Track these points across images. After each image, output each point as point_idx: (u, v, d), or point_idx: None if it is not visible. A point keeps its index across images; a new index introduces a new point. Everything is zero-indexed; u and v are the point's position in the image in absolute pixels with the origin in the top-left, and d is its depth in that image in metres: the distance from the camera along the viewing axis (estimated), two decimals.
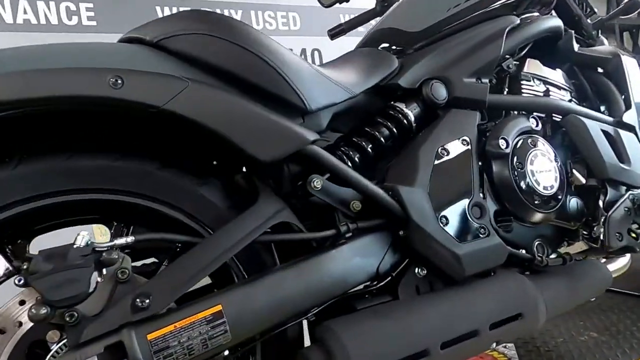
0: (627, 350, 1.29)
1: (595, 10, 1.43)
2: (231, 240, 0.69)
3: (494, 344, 0.84)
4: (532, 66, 1.12)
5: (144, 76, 0.66)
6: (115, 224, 0.77)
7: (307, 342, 0.79)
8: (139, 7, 2.67)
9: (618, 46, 1.51)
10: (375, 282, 0.81)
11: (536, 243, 0.97)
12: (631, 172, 1.06)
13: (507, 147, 0.93)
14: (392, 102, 0.95)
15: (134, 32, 0.75)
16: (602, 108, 1.17)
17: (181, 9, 2.78)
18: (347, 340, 0.69)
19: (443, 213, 0.85)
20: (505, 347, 1.40)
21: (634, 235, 1.01)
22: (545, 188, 0.94)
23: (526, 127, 0.98)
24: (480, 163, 0.94)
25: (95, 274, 0.64)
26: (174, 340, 0.60)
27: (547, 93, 1.11)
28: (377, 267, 0.79)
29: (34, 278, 0.57)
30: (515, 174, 0.92)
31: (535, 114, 1.05)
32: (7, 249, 0.69)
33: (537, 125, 1.00)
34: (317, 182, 0.80)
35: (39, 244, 0.69)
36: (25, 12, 2.41)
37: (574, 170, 1.09)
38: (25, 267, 0.58)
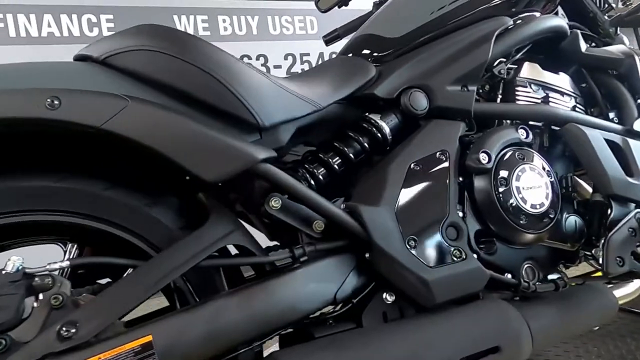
0: None
1: (613, 5, 1.31)
2: (170, 265, 0.66)
3: None
4: (530, 70, 1.02)
5: (82, 95, 0.64)
6: (70, 245, 0.76)
7: None
8: (157, 17, 2.74)
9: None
10: (334, 309, 0.76)
11: (525, 266, 0.88)
12: (638, 187, 0.95)
13: (489, 161, 0.85)
14: (366, 114, 0.90)
15: (85, 49, 0.74)
16: (612, 115, 1.06)
17: (198, 17, 2.83)
18: None
19: (412, 235, 0.78)
20: None
21: (638, 258, 0.90)
22: (533, 206, 0.86)
23: (513, 139, 0.89)
24: (461, 179, 0.87)
25: (32, 299, 0.63)
26: None
27: (546, 99, 1.01)
28: (335, 293, 0.74)
29: None
30: (498, 190, 0.84)
31: (529, 123, 0.97)
32: None
33: (526, 137, 0.91)
34: (276, 201, 0.77)
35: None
36: (49, 26, 2.52)
37: (577, 185, 0.99)
38: None
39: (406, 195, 0.80)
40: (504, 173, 0.85)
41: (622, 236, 0.88)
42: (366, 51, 1.02)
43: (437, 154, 0.85)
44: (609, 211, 0.92)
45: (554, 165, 0.99)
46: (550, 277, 0.94)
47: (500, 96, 1.01)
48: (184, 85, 0.71)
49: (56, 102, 0.62)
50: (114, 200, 0.71)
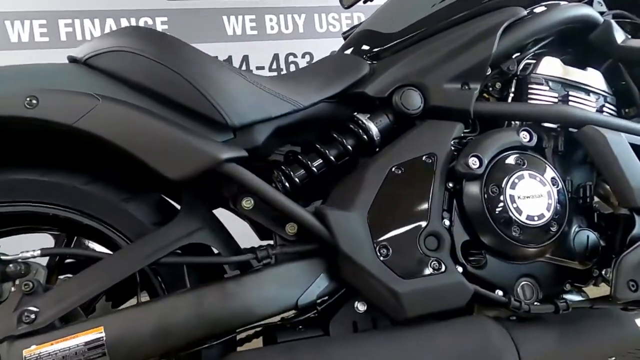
0: None
1: None
2: (131, 260, 0.68)
3: None
4: (549, 66, 0.92)
5: (58, 95, 0.68)
6: (58, 234, 0.82)
7: None
8: (208, 17, 2.86)
9: None
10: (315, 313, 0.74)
11: (522, 283, 0.79)
12: None
13: (480, 166, 0.77)
14: (355, 114, 0.86)
15: (75, 50, 0.79)
16: None
17: (246, 17, 2.90)
18: None
19: (384, 242, 0.74)
20: None
21: None
22: (530, 218, 0.77)
23: (513, 142, 0.81)
24: (451, 184, 0.80)
25: (10, 284, 0.69)
26: (49, 359, 0.61)
27: (565, 99, 0.90)
28: (298, 299, 0.71)
29: None
30: (489, 199, 0.77)
31: (543, 125, 0.87)
32: None
33: (529, 140, 0.82)
34: (247, 201, 0.76)
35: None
36: (110, 29, 2.71)
37: (603, 196, 0.88)
38: None
39: (382, 200, 0.76)
40: (496, 179, 0.77)
41: (639, 257, 0.76)
42: (366, 47, 0.98)
43: (424, 157, 0.80)
44: (633, 227, 0.81)
45: (571, 173, 0.89)
46: (569, 297, 0.85)
47: (512, 95, 0.92)
48: (156, 86, 0.72)
49: (34, 101, 0.66)
50: (93, 195, 0.75)
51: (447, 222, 0.78)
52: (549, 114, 0.86)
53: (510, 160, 0.79)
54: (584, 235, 0.81)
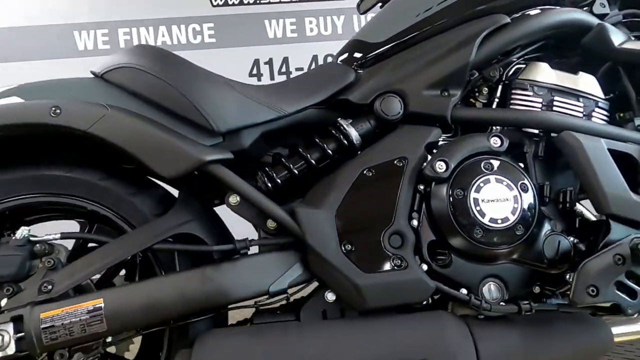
0: None
1: None
2: (129, 245, 0.81)
3: None
4: (534, 71, 0.93)
5: (76, 105, 0.82)
6: (81, 221, 0.97)
7: None
8: (250, 22, 3.02)
9: None
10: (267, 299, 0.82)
11: (488, 283, 0.82)
12: None
13: (446, 170, 0.81)
14: (338, 119, 0.93)
15: (97, 65, 0.93)
16: (638, 121, 0.90)
17: (287, 20, 3.03)
18: (208, 351, 0.74)
19: (348, 239, 0.81)
20: None
21: (629, 289, 0.76)
22: (493, 220, 0.80)
23: (482, 148, 0.83)
24: (421, 187, 0.85)
25: (38, 261, 0.84)
26: (59, 321, 0.75)
27: (550, 103, 0.91)
28: (270, 286, 0.80)
29: None
30: (453, 201, 0.81)
31: (525, 130, 0.89)
32: None
33: (500, 145, 0.84)
34: (233, 198, 0.86)
35: None
36: (163, 36, 2.96)
37: (577, 202, 0.88)
38: None
39: (350, 199, 0.83)
40: (462, 183, 0.81)
41: (604, 263, 0.76)
42: (357, 55, 1.04)
43: (395, 160, 0.85)
44: (607, 232, 0.81)
45: (553, 178, 0.89)
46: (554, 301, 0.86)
47: (497, 100, 0.94)
48: (156, 97, 0.84)
49: (58, 110, 0.80)
50: (107, 189, 0.89)
51: (415, 222, 0.83)
52: (526, 119, 0.88)
53: (477, 164, 0.82)
54: (555, 240, 0.82)
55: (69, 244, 0.92)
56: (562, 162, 0.89)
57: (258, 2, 3.01)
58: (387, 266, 0.79)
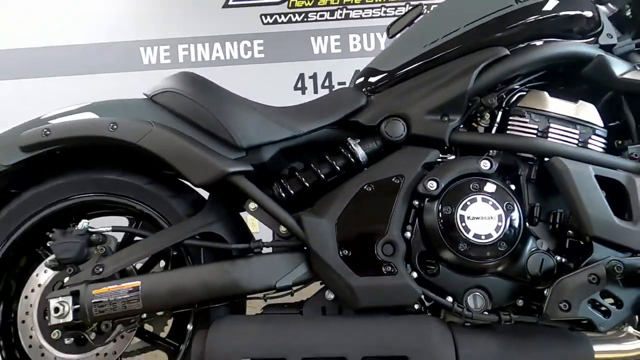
0: None
1: None
2: (164, 240, 0.97)
3: None
4: (533, 99, 1.00)
5: (129, 122, 1.00)
6: (130, 217, 1.16)
7: None
8: (297, 38, 3.21)
9: None
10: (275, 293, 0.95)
11: (473, 293, 0.90)
12: (632, 233, 0.84)
13: (436, 188, 0.91)
14: (348, 139, 1.04)
15: (149, 87, 1.11)
16: (632, 149, 0.94)
17: (332, 37, 3.18)
18: (220, 333, 0.88)
19: (346, 245, 0.92)
20: None
21: (601, 308, 0.81)
22: (477, 236, 0.88)
23: (472, 169, 0.91)
24: (416, 202, 0.95)
25: (94, 248, 1.03)
26: (106, 298, 0.92)
27: (546, 130, 0.97)
28: (276, 282, 0.93)
29: (51, 244, 0.98)
30: (441, 216, 0.89)
31: (521, 155, 0.96)
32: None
33: (489, 168, 0.92)
34: (252, 205, 1.00)
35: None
36: (217, 51, 3.22)
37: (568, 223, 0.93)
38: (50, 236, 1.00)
39: (350, 211, 0.94)
40: (450, 201, 0.90)
41: (578, 281, 0.82)
42: (370, 80, 1.15)
43: (393, 178, 0.95)
44: (589, 253, 0.86)
45: (545, 200, 0.95)
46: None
47: (496, 125, 1.02)
48: (192, 117, 1.01)
49: (115, 126, 0.99)
50: (151, 192, 1.06)
51: (408, 234, 0.93)
52: (519, 144, 0.95)
53: (466, 185, 0.91)
54: (539, 258, 0.88)
55: (119, 235, 1.11)
56: (553, 185, 0.94)
57: (305, 19, 3.19)
58: (379, 271, 0.90)
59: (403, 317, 0.90)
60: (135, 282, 0.93)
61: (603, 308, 0.83)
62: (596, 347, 0.87)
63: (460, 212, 0.89)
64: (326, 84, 3.17)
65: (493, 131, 1.01)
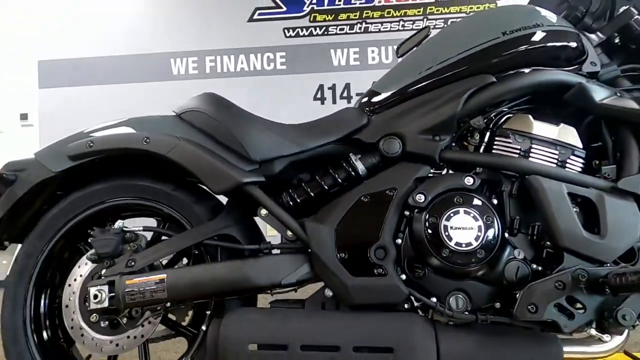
0: None
1: None
2: (186, 239, 1.13)
3: None
4: (517, 122, 1.10)
5: (160, 136, 1.16)
6: (158, 219, 1.32)
7: None
8: (317, 51, 3.37)
9: None
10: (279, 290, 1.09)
11: (455, 295, 1.01)
12: (599, 245, 0.93)
13: (424, 201, 1.02)
14: (349, 154, 1.17)
15: (176, 106, 1.27)
16: (606, 169, 1.03)
17: (351, 50, 3.31)
18: (232, 322, 1.02)
19: (343, 249, 1.04)
20: None
21: (566, 312, 0.90)
22: (458, 244, 0.99)
23: (457, 185, 1.03)
24: (407, 212, 1.06)
25: (127, 245, 1.19)
26: (136, 287, 1.08)
27: (528, 150, 1.07)
28: (282, 279, 1.07)
29: (92, 240, 1.15)
30: (427, 226, 1.01)
31: (505, 172, 1.06)
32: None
33: (472, 184, 1.03)
34: (263, 211, 1.14)
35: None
36: (242, 63, 3.41)
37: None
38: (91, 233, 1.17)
39: (348, 218, 1.06)
40: (436, 212, 1.01)
41: (546, 287, 0.92)
42: (373, 100, 1.27)
43: (387, 190, 1.07)
44: (560, 263, 0.96)
45: (525, 213, 1.05)
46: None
47: (484, 144, 1.12)
48: (212, 132, 1.16)
49: (148, 139, 1.15)
50: (177, 197, 1.22)
51: (399, 241, 1.05)
52: (501, 163, 1.05)
53: (451, 198, 1.02)
54: (515, 265, 0.99)
55: (148, 235, 1.27)
56: (531, 200, 1.04)
57: (326, 33, 3.33)
58: (371, 273, 1.02)
59: (391, 314, 1.02)
60: (162, 275, 1.08)
61: (568, 311, 0.92)
62: (566, 348, 0.97)
63: (444, 222, 1.00)
64: (344, 94, 3.31)
65: (481, 150, 1.12)
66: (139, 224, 1.26)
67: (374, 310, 1.03)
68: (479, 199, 1.02)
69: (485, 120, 1.11)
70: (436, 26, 3.23)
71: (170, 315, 1.25)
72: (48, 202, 1.25)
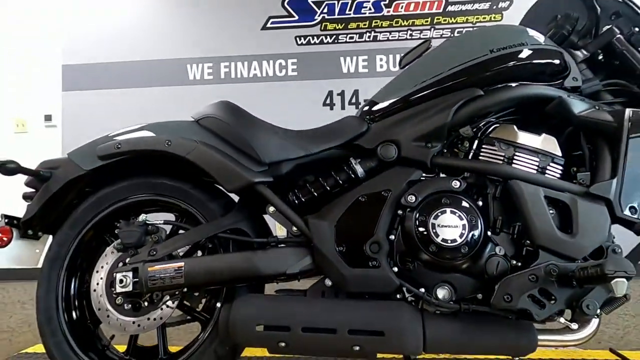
0: None
1: None
2: (202, 232, 1.26)
3: (357, 348, 1.09)
4: (502, 131, 1.21)
5: (180, 139, 1.30)
6: (176, 214, 1.45)
7: None
8: (327, 58, 3.50)
9: None
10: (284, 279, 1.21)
11: (441, 286, 1.12)
12: (570, 244, 1.04)
13: (415, 201, 1.14)
14: (350, 158, 1.29)
15: (194, 113, 1.41)
16: (581, 175, 1.13)
17: (360, 57, 3.43)
18: (242, 305, 1.14)
19: (342, 243, 1.17)
20: None
21: (539, 302, 1.01)
22: (444, 240, 1.10)
23: (444, 187, 1.14)
24: (400, 212, 1.18)
25: (149, 237, 1.32)
26: (158, 274, 1.21)
27: (512, 157, 1.18)
28: (286, 269, 1.19)
29: (118, 231, 1.29)
30: (417, 224, 1.13)
31: (489, 177, 1.18)
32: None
33: (459, 187, 1.14)
34: (271, 208, 1.27)
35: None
36: (255, 69, 3.55)
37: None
38: (117, 225, 1.31)
39: (347, 216, 1.19)
40: (425, 211, 1.13)
41: (521, 279, 1.03)
42: (372, 109, 1.39)
43: (382, 191, 1.19)
44: (535, 259, 1.07)
45: (507, 214, 1.16)
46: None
47: (472, 151, 1.24)
48: (226, 137, 1.29)
49: (169, 142, 1.29)
50: (194, 195, 1.35)
51: (392, 237, 1.17)
52: (486, 168, 1.17)
53: (439, 199, 1.13)
54: (495, 261, 1.10)
55: (167, 228, 1.40)
56: (512, 202, 1.15)
57: (336, 41, 3.46)
58: (366, 264, 1.14)
59: (384, 302, 1.13)
60: (180, 263, 1.22)
61: (540, 302, 1.03)
62: (541, 337, 1.08)
63: (432, 220, 1.12)
64: (353, 100, 3.43)
65: (469, 156, 1.23)
66: (160, 218, 1.40)
67: (369, 299, 1.15)
68: (465, 201, 1.13)
69: (473, 130, 1.22)
70: (443, 36, 3.34)
71: (185, 302, 1.38)
72: (78, 197, 1.40)
